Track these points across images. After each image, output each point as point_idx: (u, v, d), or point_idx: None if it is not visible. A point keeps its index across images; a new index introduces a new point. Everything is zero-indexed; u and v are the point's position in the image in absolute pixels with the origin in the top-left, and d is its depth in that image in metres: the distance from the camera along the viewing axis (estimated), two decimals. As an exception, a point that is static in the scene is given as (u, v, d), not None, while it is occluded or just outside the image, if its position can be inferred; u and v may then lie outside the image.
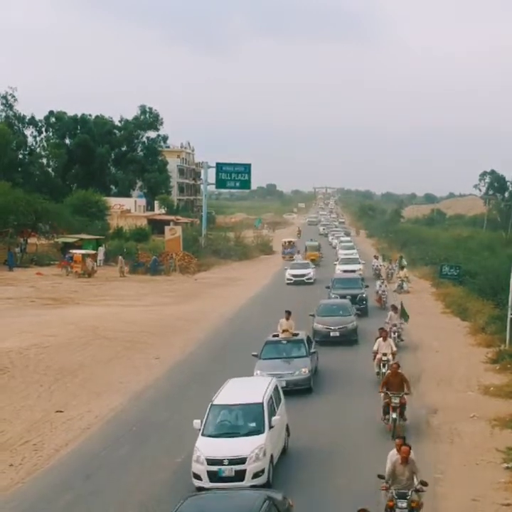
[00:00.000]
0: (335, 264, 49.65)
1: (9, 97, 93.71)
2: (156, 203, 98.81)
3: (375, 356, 22.23)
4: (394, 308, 27.93)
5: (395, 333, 26.42)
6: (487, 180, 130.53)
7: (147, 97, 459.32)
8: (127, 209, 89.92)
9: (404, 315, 28.16)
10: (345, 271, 44.59)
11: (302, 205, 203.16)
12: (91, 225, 63.76)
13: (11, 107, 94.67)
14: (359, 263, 49.23)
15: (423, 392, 21.55)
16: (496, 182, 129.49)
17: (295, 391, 20.89)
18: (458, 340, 29.37)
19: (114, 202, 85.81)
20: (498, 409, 19.48)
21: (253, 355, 22.67)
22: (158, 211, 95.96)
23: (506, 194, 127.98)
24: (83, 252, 51.06)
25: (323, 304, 30.73)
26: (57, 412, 20.22)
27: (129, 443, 17.96)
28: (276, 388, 17.14)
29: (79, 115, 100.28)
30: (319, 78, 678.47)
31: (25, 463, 16.60)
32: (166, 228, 63.16)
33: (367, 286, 36.93)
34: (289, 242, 68.72)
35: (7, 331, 30.08)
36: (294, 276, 47.80)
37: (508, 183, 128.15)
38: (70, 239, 55.47)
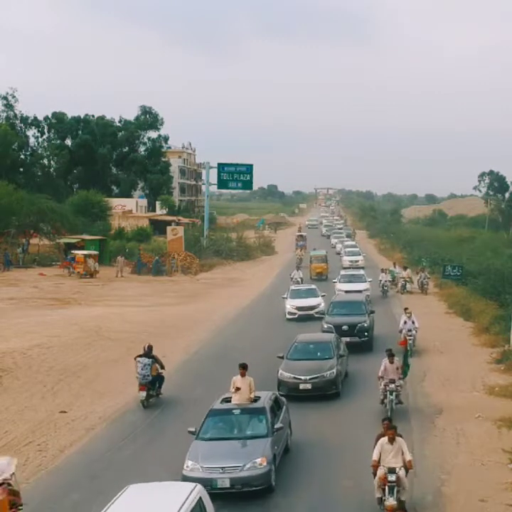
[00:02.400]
0: (334, 282, 40.62)
1: (10, 98, 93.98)
2: (158, 204, 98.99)
3: (375, 471, 13.35)
4: (390, 355, 19.66)
5: (391, 394, 18.84)
6: (486, 180, 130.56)
7: (147, 97, 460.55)
8: (129, 209, 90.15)
9: (404, 365, 20.00)
10: (348, 291, 36.81)
11: (303, 206, 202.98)
12: (93, 226, 63.80)
13: (11, 107, 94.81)
14: (365, 281, 39.84)
15: (428, 392, 21.49)
16: (495, 182, 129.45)
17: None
18: (462, 340, 29.28)
19: (116, 202, 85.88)
20: (504, 409, 19.37)
21: (189, 431, 15.74)
22: (160, 212, 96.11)
23: (507, 194, 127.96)
24: (85, 252, 51.04)
25: (297, 342, 23.29)
26: (61, 412, 20.16)
27: (135, 444, 17.90)
28: (197, 506, 11.05)
29: (80, 115, 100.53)
30: (320, 79, 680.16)
31: (29, 463, 16.54)
32: (168, 228, 63.11)
33: (372, 312, 29.14)
34: (301, 235, 77.49)
35: (10, 332, 30.08)
36: (299, 308, 34.22)
37: (509, 183, 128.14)
38: (72, 239, 55.46)
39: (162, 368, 21.48)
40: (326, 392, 21.14)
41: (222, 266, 60.98)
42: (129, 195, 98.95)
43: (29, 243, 57.19)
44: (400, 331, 26.18)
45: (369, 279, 40.52)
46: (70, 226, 58.65)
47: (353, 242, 70.85)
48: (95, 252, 52.16)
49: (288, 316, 34.29)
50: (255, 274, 57.09)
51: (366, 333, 27.26)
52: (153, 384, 20.95)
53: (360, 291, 36.48)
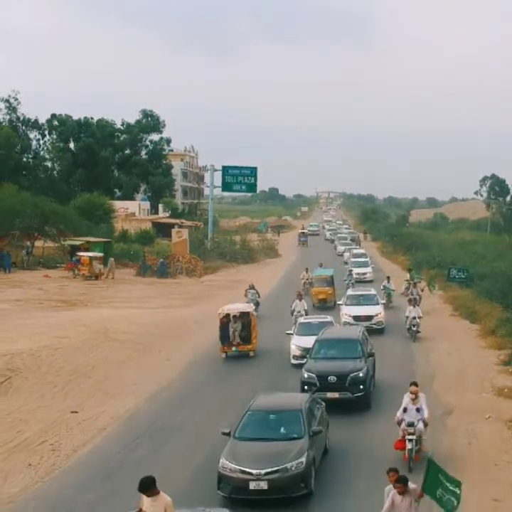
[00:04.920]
0: (339, 305, 33.94)
1: (12, 100, 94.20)
2: (160, 207, 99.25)
3: None
4: (400, 479, 11.50)
5: None
6: (488, 184, 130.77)
7: (149, 99, 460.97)
8: (131, 212, 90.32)
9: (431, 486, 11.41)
10: (356, 317, 30.93)
11: (305, 209, 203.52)
12: (96, 228, 63.87)
13: (14, 110, 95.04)
14: (378, 303, 32.84)
15: (437, 393, 21.57)
16: (496, 186, 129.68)
17: None
18: (469, 342, 29.40)
19: (119, 205, 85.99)
20: (514, 410, 19.52)
21: None
22: (162, 214, 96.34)
23: (508, 198, 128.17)
24: (91, 254, 51.13)
25: (252, 409, 15.95)
26: (72, 412, 20.23)
27: (147, 443, 18.00)
28: None
29: (81, 118, 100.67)
30: (320, 79, 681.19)
31: (43, 462, 16.63)
32: (173, 231, 63.31)
33: (370, 356, 21.77)
34: (303, 232, 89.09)
35: (18, 333, 30.09)
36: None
37: (510, 187, 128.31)
38: (77, 241, 55.53)
39: (259, 296, 36.75)
40: (290, 495, 13.98)
41: (227, 269, 61.04)
42: (131, 198, 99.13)
43: (33, 245, 57.25)
44: (398, 423, 16.12)
45: (382, 301, 33.98)
46: (75, 228, 58.72)
47: (362, 251, 62.30)
48: (100, 254, 52.23)
49: (293, 361, 25.09)
50: (260, 276, 57.04)
51: (362, 386, 20.08)
52: (256, 304, 33.92)
53: (371, 317, 31.01)
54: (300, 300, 32.14)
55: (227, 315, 27.36)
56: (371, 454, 16.33)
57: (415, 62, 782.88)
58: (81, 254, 51.41)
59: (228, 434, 15.23)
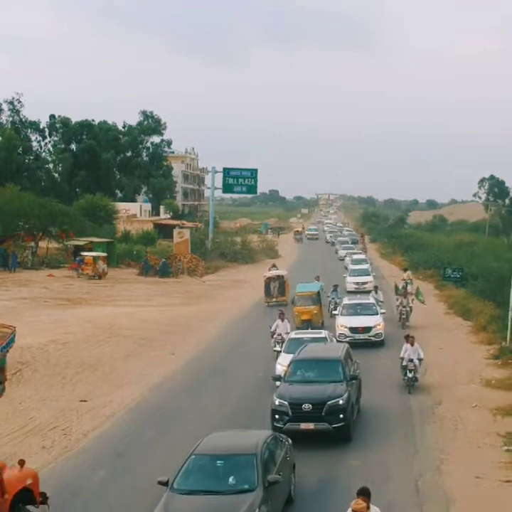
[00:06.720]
0: (335, 315, 30.66)
1: (16, 102, 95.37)
2: (162, 208, 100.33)
3: None
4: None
5: None
6: (486, 186, 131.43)
7: (150, 103, 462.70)
8: (133, 214, 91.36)
9: None
10: (353, 328, 28.23)
11: (305, 211, 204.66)
12: (99, 229, 64.90)
13: (17, 112, 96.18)
14: (376, 313, 29.69)
15: (429, 385, 22.63)
16: (495, 187, 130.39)
17: None
18: (461, 338, 30.49)
19: (120, 207, 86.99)
20: (500, 399, 20.57)
21: None
22: (164, 216, 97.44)
23: (507, 200, 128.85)
24: (94, 254, 52.17)
25: (196, 453, 13.13)
26: (81, 401, 21.26)
27: (153, 428, 19.04)
28: None
29: (83, 120, 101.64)
30: (322, 84, 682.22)
31: (56, 445, 17.67)
32: (175, 231, 64.38)
33: (354, 378, 18.71)
34: (298, 230, 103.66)
35: (25, 329, 30.84)
36: None
37: (509, 189, 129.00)
38: (81, 242, 56.58)
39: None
40: None
41: (227, 268, 62.16)
42: (132, 200, 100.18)
43: (38, 245, 58.26)
44: None
45: (382, 311, 30.52)
46: (79, 229, 59.74)
47: (363, 256, 57.25)
48: (104, 254, 53.29)
49: (277, 383, 19.23)
50: (260, 276, 57.92)
51: (342, 416, 17.01)
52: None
53: (370, 329, 28.35)
54: (282, 320, 27.07)
55: (269, 277, 40.81)
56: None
57: (416, 64, 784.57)
58: (85, 254, 52.44)
59: (166, 484, 12.28)
